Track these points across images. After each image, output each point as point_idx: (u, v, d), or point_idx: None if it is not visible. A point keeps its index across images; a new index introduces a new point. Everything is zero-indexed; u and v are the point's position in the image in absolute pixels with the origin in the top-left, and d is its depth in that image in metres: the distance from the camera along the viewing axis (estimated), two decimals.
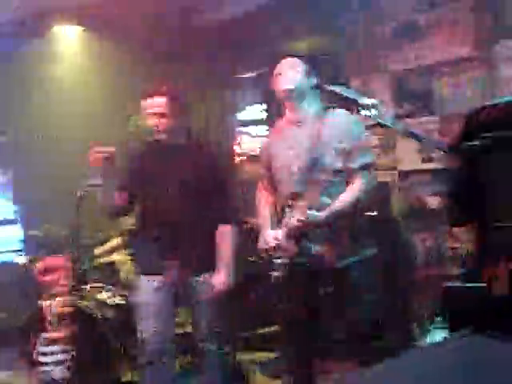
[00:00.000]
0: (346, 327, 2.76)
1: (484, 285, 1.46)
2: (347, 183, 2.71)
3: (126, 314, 3.60)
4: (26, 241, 5.18)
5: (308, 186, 2.60)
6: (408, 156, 4.30)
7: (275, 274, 2.68)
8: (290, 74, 2.76)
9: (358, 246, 2.80)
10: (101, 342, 3.61)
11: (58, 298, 3.42)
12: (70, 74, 5.47)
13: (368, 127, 2.75)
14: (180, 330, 3.74)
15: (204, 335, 3.06)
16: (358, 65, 4.58)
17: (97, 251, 4.46)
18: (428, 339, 2.75)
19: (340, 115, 2.71)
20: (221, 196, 3.04)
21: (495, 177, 1.51)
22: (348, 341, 2.77)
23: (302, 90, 2.72)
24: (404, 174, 4.37)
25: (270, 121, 5.43)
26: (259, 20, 4.90)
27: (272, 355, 4.07)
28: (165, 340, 3.02)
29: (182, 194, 2.95)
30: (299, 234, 2.65)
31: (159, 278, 3.01)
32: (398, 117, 4.27)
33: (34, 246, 4.64)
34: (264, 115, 5.74)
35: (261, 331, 4.32)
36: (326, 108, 2.76)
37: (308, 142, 2.68)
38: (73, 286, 3.29)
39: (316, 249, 2.69)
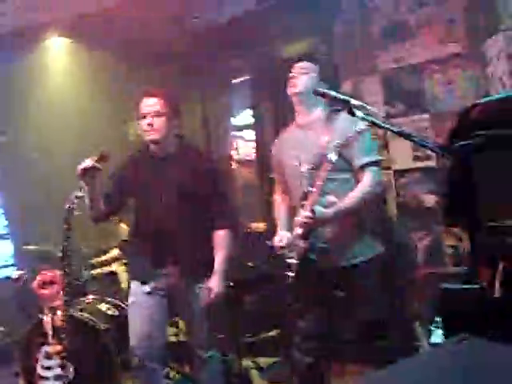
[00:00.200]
0: (355, 327, 2.81)
1: (479, 286, 1.45)
2: (356, 182, 2.79)
3: (126, 324, 3.59)
4: (21, 255, 5.16)
5: (316, 186, 2.63)
6: (401, 155, 4.29)
7: (289, 273, 2.73)
8: (303, 78, 2.83)
9: (367, 243, 2.83)
10: (103, 354, 3.61)
11: (58, 312, 3.41)
12: (62, 86, 5.44)
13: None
14: (178, 339, 3.75)
15: (203, 342, 3.05)
16: (349, 66, 4.57)
17: (96, 262, 4.46)
18: (430, 339, 2.74)
19: (346, 117, 2.74)
20: (216, 201, 3.05)
21: (488, 175, 1.50)
22: (356, 340, 2.81)
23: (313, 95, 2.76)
24: (399, 174, 4.36)
25: (257, 126, 5.43)
26: (256, 21, 4.88)
27: (271, 360, 4.07)
28: (153, 345, 3.00)
29: (175, 201, 2.95)
30: (307, 232, 2.68)
31: (151, 283, 3.01)
32: (390, 116, 4.27)
33: (29, 260, 4.62)
34: (252, 120, 5.72)
35: (262, 336, 4.32)
36: (334, 111, 2.83)
37: (317, 145, 2.74)
38: (70, 299, 3.27)
39: (324, 246, 2.74)
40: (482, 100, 1.69)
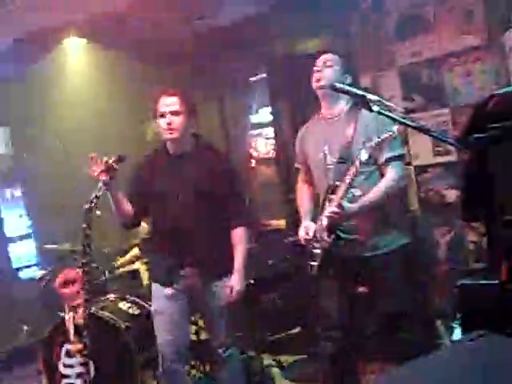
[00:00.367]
0: (377, 318, 2.81)
1: (497, 282, 1.42)
2: (381, 176, 2.79)
3: (147, 322, 3.60)
4: (43, 255, 5.22)
5: (342, 179, 2.65)
6: (422, 150, 4.24)
7: (313, 263, 2.77)
8: (327, 71, 2.83)
9: (391, 236, 2.84)
10: (124, 352, 3.62)
11: (79, 310, 3.43)
12: (80, 87, 5.46)
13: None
14: (198, 337, 3.74)
15: (222, 340, 3.05)
16: (367, 61, 4.53)
17: (118, 261, 4.48)
18: (452, 337, 2.71)
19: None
20: (233, 201, 3.04)
21: (505, 168, 1.47)
22: (378, 332, 2.80)
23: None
24: (420, 169, 4.32)
25: (275, 123, 5.40)
26: (263, 21, 4.87)
27: (292, 358, 4.05)
28: (179, 349, 3.03)
29: (191, 200, 2.95)
30: (333, 226, 2.70)
31: (172, 285, 3.02)
32: (409, 111, 4.22)
33: (50, 259, 4.67)
34: (270, 118, 5.70)
35: (283, 334, 4.31)
36: (357, 104, 2.80)
37: (341, 138, 2.77)
38: (90, 298, 3.29)
39: (348, 237, 2.76)
40: (499, 91, 1.66)
